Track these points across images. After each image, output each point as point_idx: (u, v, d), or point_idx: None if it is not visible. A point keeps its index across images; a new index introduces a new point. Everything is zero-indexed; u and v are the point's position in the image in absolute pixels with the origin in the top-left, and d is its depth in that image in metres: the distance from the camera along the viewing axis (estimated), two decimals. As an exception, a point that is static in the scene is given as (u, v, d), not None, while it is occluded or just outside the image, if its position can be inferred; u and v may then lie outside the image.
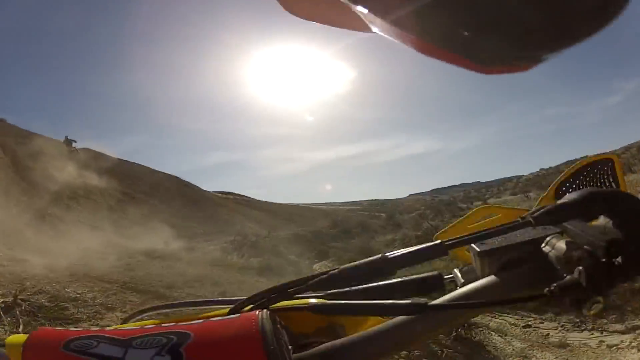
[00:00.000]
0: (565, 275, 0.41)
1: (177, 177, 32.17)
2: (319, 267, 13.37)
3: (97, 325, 4.96)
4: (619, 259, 0.39)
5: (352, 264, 0.47)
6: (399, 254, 0.46)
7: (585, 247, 0.41)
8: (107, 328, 0.44)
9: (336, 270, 0.47)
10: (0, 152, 20.78)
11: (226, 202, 31.51)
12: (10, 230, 13.14)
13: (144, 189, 25.77)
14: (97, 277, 8.63)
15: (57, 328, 0.45)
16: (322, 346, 0.44)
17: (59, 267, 9.48)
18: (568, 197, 0.45)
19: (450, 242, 0.46)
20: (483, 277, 0.48)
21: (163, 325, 0.43)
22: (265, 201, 35.40)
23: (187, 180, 33.16)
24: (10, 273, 7.90)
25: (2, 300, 4.59)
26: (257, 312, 0.42)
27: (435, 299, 0.48)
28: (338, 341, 0.44)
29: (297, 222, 27.25)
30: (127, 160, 30.34)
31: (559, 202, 0.45)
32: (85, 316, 4.99)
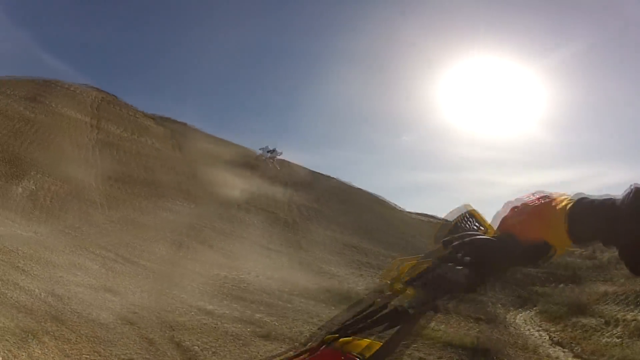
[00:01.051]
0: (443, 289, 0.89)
1: (369, 193, 31.17)
2: (522, 321, 10.90)
3: None
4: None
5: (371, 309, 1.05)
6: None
7: (446, 272, 0.87)
8: None
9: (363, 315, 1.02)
10: (178, 153, 21.91)
11: (420, 224, 29.06)
12: (129, 240, 11.86)
13: (331, 203, 25.46)
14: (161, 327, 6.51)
15: None
16: None
17: (131, 303, 7.66)
18: (441, 242, 0.99)
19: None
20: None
21: None
22: (463, 227, 31.11)
23: (383, 197, 31.67)
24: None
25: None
26: (335, 346, 0.85)
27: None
28: None
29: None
30: (320, 173, 30.87)
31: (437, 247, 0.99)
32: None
